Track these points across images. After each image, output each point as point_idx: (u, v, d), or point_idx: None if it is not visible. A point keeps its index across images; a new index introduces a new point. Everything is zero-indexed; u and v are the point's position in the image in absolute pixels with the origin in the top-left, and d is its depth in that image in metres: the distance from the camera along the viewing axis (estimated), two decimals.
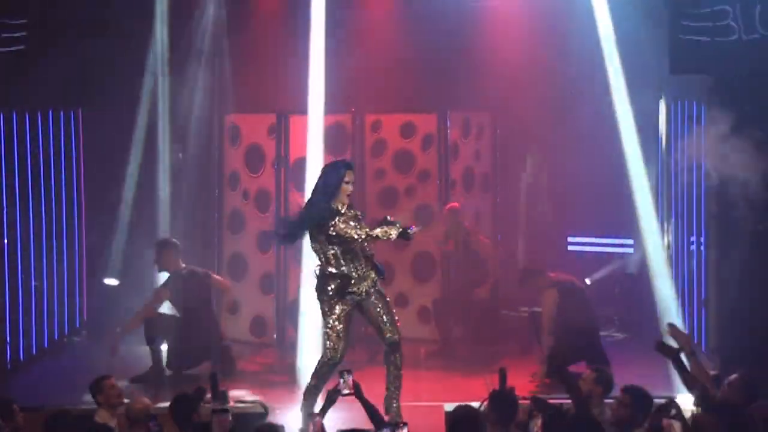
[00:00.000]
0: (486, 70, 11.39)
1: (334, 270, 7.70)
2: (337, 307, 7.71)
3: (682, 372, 6.51)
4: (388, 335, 7.78)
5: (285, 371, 9.67)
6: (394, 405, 7.82)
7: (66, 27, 10.27)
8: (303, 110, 10.96)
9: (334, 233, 7.61)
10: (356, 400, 6.71)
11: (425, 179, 10.84)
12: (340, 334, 7.70)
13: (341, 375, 6.70)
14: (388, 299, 7.88)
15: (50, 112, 10.48)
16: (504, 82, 11.26)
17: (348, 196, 7.70)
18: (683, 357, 6.65)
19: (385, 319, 7.76)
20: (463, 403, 5.97)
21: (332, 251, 7.68)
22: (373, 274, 7.78)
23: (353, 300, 7.74)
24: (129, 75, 10.99)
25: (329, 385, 7.11)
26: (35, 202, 10.23)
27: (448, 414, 5.97)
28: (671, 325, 6.89)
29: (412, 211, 10.65)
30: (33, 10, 9.62)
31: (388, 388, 7.84)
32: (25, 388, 9.07)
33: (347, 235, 7.58)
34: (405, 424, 7.08)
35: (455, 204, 10.45)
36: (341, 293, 7.70)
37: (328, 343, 7.73)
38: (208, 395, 7.16)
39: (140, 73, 11.06)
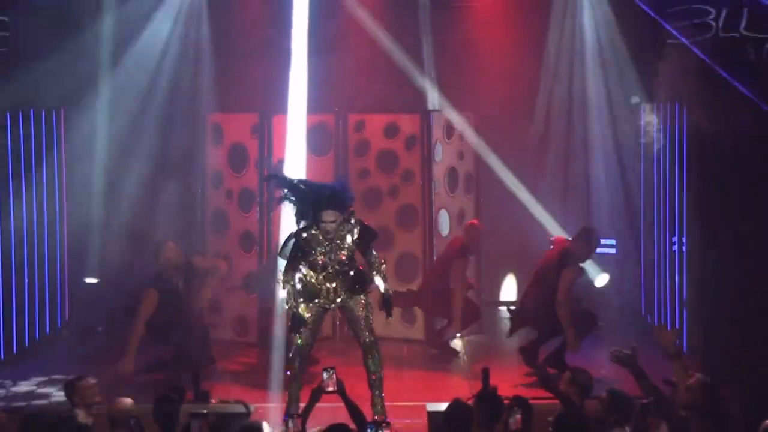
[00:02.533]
0: (469, 71, 11.43)
1: (311, 280, 7.73)
2: (309, 304, 7.76)
3: (641, 380, 6.53)
4: (362, 338, 7.79)
5: (267, 371, 9.67)
6: (378, 405, 7.82)
7: (47, 26, 10.26)
8: (286, 110, 10.99)
9: None
10: (340, 399, 6.72)
11: (409, 179, 10.85)
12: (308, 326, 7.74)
13: (325, 372, 6.71)
14: (368, 302, 7.84)
15: (31, 111, 10.44)
16: (486, 82, 11.30)
17: (329, 234, 7.57)
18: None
19: (361, 323, 7.77)
20: (459, 400, 6.04)
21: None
22: (344, 292, 7.73)
23: (322, 303, 7.77)
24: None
25: (313, 384, 7.12)
26: (16, 200, 10.18)
27: (445, 411, 6.04)
28: (658, 326, 6.93)
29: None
30: (14, 10, 9.61)
31: (371, 391, 7.86)
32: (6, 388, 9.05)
33: None
34: (388, 423, 7.12)
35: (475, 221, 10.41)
36: (310, 300, 7.75)
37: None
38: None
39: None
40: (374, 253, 7.74)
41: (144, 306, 9.16)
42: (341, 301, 7.74)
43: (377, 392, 7.78)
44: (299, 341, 7.71)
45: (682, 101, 9.48)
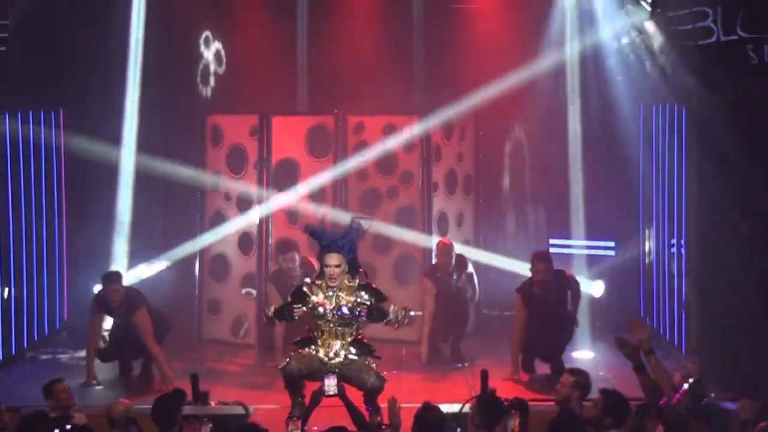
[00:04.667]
0: (468, 73, 11.43)
1: (315, 337, 7.55)
2: (305, 348, 7.57)
3: (641, 373, 6.50)
4: (366, 384, 7.48)
5: (265, 372, 9.68)
6: (369, 409, 7.71)
7: (48, 26, 10.28)
8: (285, 111, 11.00)
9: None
10: (339, 402, 6.73)
11: (408, 181, 10.85)
12: (297, 359, 7.51)
13: (326, 376, 6.71)
14: (367, 362, 7.51)
15: (30, 111, 10.43)
16: (486, 84, 11.30)
17: (333, 280, 7.42)
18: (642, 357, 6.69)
19: (361, 375, 7.46)
20: (430, 404, 6.03)
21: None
22: (343, 352, 7.48)
23: (319, 360, 7.52)
24: (110, 74, 11.03)
25: (314, 387, 7.13)
26: (15, 202, 10.17)
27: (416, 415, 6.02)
28: (631, 319, 6.93)
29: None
30: (15, 12, 9.61)
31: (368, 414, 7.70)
32: (4, 389, 9.03)
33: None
34: (387, 425, 7.12)
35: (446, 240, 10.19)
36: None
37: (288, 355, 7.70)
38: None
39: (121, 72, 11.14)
40: (392, 308, 7.54)
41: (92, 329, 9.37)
42: (339, 363, 7.43)
43: (374, 416, 7.61)
44: (287, 360, 7.56)
45: (682, 103, 9.48)
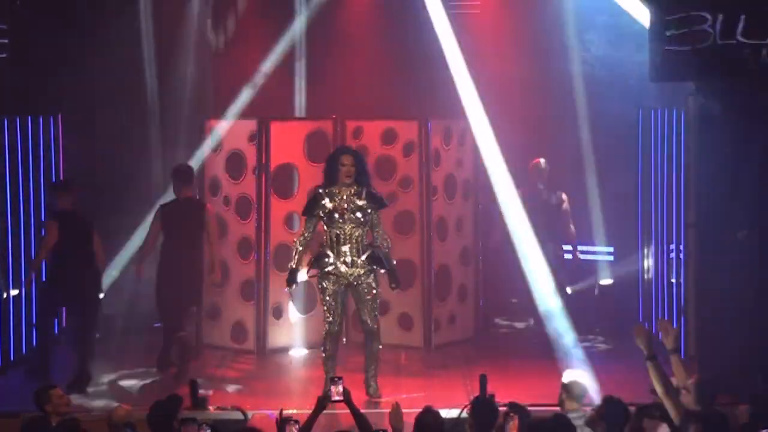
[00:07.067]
0: (467, 77, 11.43)
1: (326, 250, 8.47)
2: (328, 285, 8.46)
3: (653, 363, 6.39)
4: (365, 323, 8.54)
5: (264, 377, 9.68)
6: (372, 384, 8.58)
7: (48, 29, 10.29)
8: (284, 116, 11.01)
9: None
10: (346, 407, 6.72)
11: (407, 186, 10.85)
12: (332, 309, 8.48)
13: (332, 381, 6.71)
14: (375, 292, 8.53)
15: (29, 118, 10.43)
16: (485, 89, 11.31)
17: (348, 177, 8.42)
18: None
19: (368, 306, 8.48)
20: (430, 409, 6.05)
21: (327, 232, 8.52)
22: (360, 265, 8.42)
23: (340, 281, 8.42)
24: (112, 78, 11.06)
25: (319, 391, 7.14)
26: (13, 207, 10.17)
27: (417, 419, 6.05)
28: (661, 320, 7.02)
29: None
30: (15, 17, 9.63)
31: (366, 370, 8.61)
32: (2, 394, 9.03)
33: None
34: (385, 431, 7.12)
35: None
36: (324, 272, 8.45)
37: (325, 315, 8.58)
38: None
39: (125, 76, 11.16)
40: (382, 231, 8.58)
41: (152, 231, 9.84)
42: (359, 268, 8.39)
43: (372, 370, 8.58)
44: (328, 318, 8.48)
45: (681, 107, 9.49)
